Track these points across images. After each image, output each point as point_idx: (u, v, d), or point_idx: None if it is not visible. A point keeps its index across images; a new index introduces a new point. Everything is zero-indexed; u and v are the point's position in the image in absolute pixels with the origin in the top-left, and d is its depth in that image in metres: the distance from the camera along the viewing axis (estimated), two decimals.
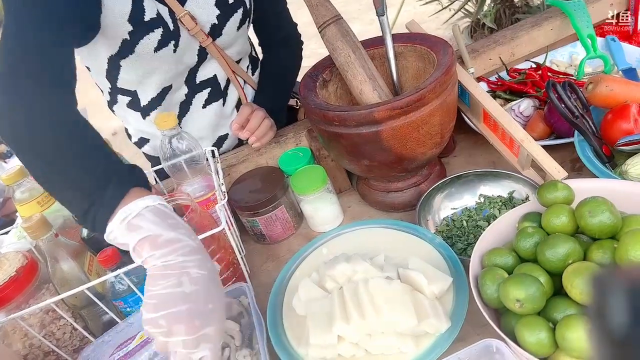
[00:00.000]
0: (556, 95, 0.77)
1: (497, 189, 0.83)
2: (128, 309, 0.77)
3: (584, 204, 0.56)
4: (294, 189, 0.89)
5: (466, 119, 0.94)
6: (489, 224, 0.79)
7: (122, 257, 0.77)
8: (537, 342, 0.50)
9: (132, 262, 0.73)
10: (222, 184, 0.78)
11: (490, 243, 0.63)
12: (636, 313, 0.17)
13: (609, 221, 0.53)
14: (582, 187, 0.62)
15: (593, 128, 0.77)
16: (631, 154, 0.72)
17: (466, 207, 0.84)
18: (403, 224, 0.80)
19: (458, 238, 0.79)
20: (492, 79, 1.04)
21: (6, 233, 0.90)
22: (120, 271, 0.71)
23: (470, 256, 0.62)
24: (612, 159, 0.76)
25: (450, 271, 0.69)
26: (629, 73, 0.91)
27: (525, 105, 0.93)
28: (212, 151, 0.87)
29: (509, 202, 0.80)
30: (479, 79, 1.04)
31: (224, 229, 0.73)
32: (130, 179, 0.61)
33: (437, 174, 0.90)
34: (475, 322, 0.65)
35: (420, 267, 0.67)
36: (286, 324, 0.71)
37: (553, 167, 0.73)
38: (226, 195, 0.76)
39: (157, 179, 0.92)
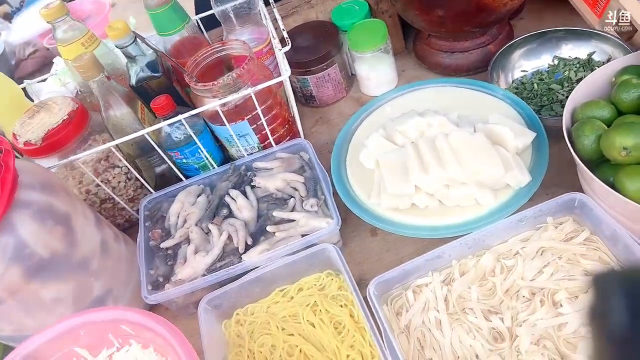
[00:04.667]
0: None
1: (579, 50, 0.77)
2: (184, 160, 0.75)
3: None
4: (351, 44, 0.83)
5: None
6: (562, 87, 0.74)
7: (177, 106, 0.73)
8: (638, 190, 0.49)
9: (185, 111, 0.70)
10: (284, 29, 0.71)
11: (584, 96, 0.60)
12: (636, 313, 0.18)
13: None
14: None
15: None
16: None
17: (537, 70, 0.78)
18: (473, 82, 0.75)
19: (530, 100, 0.74)
20: None
21: (44, 80, 0.85)
22: (181, 117, 0.68)
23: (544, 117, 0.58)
24: None
25: (529, 128, 0.66)
26: None
27: None
28: None
29: (587, 64, 0.75)
30: None
31: (284, 80, 0.68)
32: None
33: (506, 36, 0.84)
34: (546, 182, 0.63)
35: (502, 121, 0.64)
36: (352, 178, 0.70)
37: None
38: (289, 42, 0.70)
39: (203, 28, 0.85)
